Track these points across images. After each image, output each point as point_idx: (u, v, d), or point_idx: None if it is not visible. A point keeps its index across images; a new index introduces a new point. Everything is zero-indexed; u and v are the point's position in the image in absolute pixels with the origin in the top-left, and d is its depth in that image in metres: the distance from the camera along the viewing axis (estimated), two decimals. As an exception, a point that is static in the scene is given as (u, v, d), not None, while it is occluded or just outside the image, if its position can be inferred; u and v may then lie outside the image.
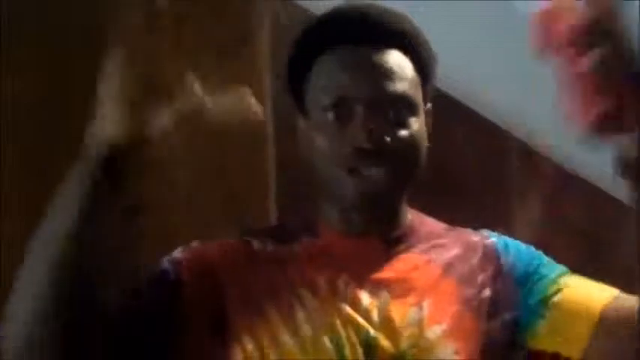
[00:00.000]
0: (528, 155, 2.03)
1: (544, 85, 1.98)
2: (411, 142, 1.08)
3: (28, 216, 1.62)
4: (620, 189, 2.08)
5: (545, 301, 1.10)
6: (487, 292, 1.10)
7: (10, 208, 1.59)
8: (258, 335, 1.06)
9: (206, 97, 1.02)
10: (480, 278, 1.11)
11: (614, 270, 2.13)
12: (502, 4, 1.82)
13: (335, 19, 1.11)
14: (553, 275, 1.11)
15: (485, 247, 1.14)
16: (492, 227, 1.22)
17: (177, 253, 1.11)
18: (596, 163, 2.02)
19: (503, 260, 1.13)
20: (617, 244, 2.28)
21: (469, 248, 1.15)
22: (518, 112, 1.96)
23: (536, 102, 1.93)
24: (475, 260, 1.13)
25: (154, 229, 1.64)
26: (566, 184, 2.08)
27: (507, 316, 1.10)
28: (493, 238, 1.16)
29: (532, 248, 1.16)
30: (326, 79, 1.09)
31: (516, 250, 1.15)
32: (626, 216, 2.18)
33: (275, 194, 1.72)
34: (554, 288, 1.10)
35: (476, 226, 1.20)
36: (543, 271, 1.12)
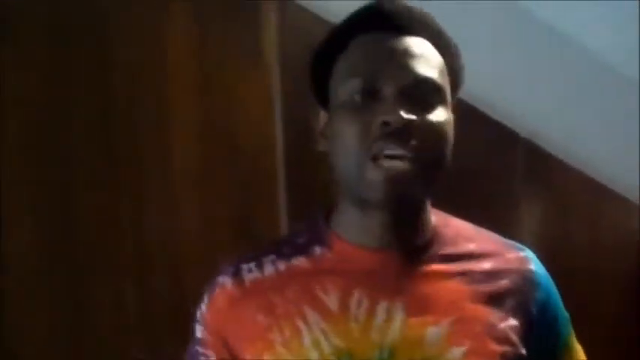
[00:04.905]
0: (535, 155, 2.02)
1: (550, 85, 1.96)
2: (438, 128, 1.04)
3: (30, 211, 1.62)
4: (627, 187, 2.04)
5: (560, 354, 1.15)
6: (513, 321, 1.07)
7: (13, 205, 1.59)
8: None
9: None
10: (510, 304, 1.08)
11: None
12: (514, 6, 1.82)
13: (369, 9, 1.11)
14: (566, 334, 1.17)
15: (523, 272, 1.11)
16: (499, 226, 1.21)
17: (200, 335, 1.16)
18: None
19: (538, 295, 1.11)
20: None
21: (503, 266, 1.11)
22: (524, 111, 1.95)
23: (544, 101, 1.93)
24: (508, 282, 1.09)
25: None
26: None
27: (523, 350, 1.07)
28: (532, 266, 1.13)
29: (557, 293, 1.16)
30: (356, 60, 1.06)
31: (550, 288, 1.14)
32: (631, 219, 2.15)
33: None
34: (567, 345, 1.16)
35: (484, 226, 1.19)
36: (561, 326, 1.16)
